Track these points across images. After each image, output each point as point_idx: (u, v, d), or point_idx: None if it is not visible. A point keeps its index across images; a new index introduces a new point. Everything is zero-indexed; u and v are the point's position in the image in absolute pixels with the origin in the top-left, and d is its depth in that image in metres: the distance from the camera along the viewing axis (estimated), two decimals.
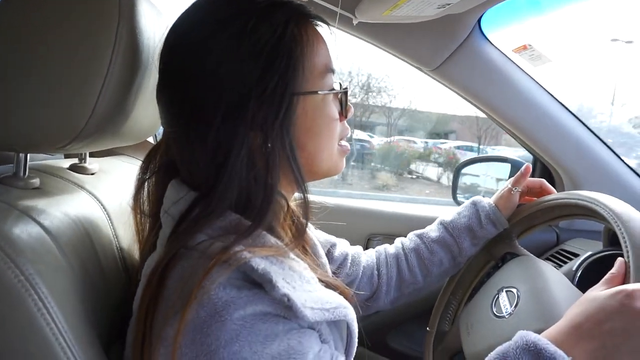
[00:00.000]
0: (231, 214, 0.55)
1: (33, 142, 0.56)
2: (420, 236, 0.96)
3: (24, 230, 0.47)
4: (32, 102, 0.53)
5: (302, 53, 0.56)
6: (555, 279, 0.83)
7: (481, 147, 7.86)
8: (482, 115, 1.26)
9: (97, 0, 0.54)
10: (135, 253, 0.72)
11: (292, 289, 0.49)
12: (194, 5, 0.58)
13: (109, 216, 0.70)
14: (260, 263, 0.49)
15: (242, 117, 0.53)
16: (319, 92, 0.59)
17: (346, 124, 0.67)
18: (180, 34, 0.57)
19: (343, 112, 0.65)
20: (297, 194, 0.78)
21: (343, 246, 0.93)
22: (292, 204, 0.75)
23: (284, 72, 0.54)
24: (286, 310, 0.49)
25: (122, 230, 0.72)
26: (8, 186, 0.57)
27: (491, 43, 1.10)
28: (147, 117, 0.74)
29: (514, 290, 0.85)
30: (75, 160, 0.78)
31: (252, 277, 0.49)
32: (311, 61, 0.58)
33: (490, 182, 1.78)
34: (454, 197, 1.69)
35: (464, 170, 1.74)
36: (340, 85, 0.64)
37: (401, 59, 1.09)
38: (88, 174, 0.77)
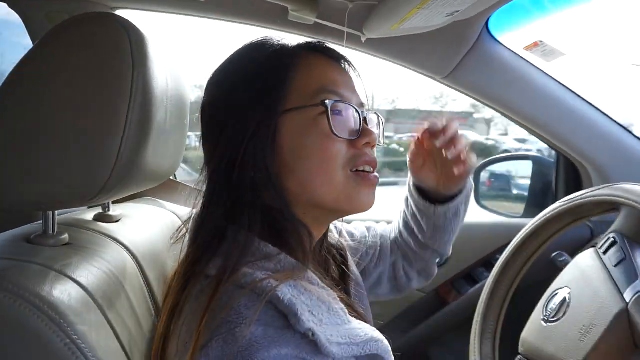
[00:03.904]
0: (233, 228, 0.54)
1: (60, 199, 0.55)
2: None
3: (64, 292, 0.46)
4: (55, 160, 0.52)
5: (286, 77, 0.57)
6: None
7: None
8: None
9: (111, 54, 0.54)
10: None
11: (319, 323, 0.47)
12: (223, 62, 0.64)
13: (138, 262, 0.70)
14: (287, 293, 0.48)
15: (229, 138, 0.56)
16: (295, 108, 0.56)
17: (366, 152, 0.59)
18: (211, 88, 0.64)
19: (356, 135, 0.58)
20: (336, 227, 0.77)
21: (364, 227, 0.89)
22: (333, 238, 0.74)
23: (265, 94, 0.56)
24: (312, 351, 0.46)
25: (151, 275, 0.71)
26: (39, 245, 0.57)
27: (501, 44, 1.09)
28: (166, 157, 0.74)
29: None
30: (99, 210, 0.78)
31: (278, 307, 0.47)
32: (298, 83, 0.57)
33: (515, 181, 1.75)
34: (477, 201, 1.66)
35: (484, 172, 1.71)
36: (355, 109, 0.59)
37: (412, 69, 1.08)
38: (113, 222, 0.76)
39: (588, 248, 1.26)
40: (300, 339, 0.46)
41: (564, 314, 0.83)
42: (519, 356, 0.94)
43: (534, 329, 0.90)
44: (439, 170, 0.77)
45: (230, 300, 0.47)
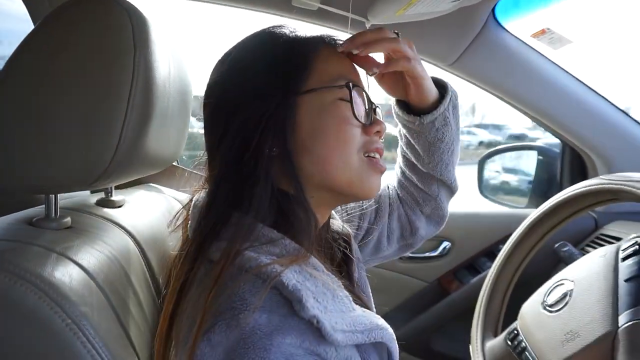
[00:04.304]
0: (238, 214, 0.54)
1: (61, 182, 0.55)
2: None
3: (66, 273, 0.47)
4: (57, 143, 0.52)
5: (307, 60, 0.58)
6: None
7: None
8: None
9: (112, 36, 0.54)
10: None
11: (324, 309, 0.47)
12: (235, 47, 0.63)
13: (140, 247, 0.70)
14: (291, 278, 0.47)
15: (244, 118, 0.56)
16: (318, 88, 0.57)
17: (377, 140, 0.62)
18: (222, 71, 0.62)
19: (368, 122, 0.61)
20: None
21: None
22: (338, 225, 0.74)
23: (285, 74, 0.57)
24: (316, 339, 0.46)
25: (153, 260, 0.71)
26: (41, 228, 0.57)
27: (508, 31, 1.07)
28: (169, 143, 0.73)
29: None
30: (102, 195, 0.79)
31: (282, 293, 0.47)
32: (319, 67, 0.59)
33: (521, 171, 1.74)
34: (481, 192, 1.66)
35: (489, 162, 1.70)
36: (368, 98, 0.62)
37: None
38: (116, 207, 0.77)
39: (592, 239, 1.27)
40: (304, 326, 0.46)
41: (561, 309, 0.82)
42: (515, 323, 0.94)
43: (531, 308, 0.90)
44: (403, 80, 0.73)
45: (234, 284, 0.47)
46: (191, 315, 0.49)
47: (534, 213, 1.03)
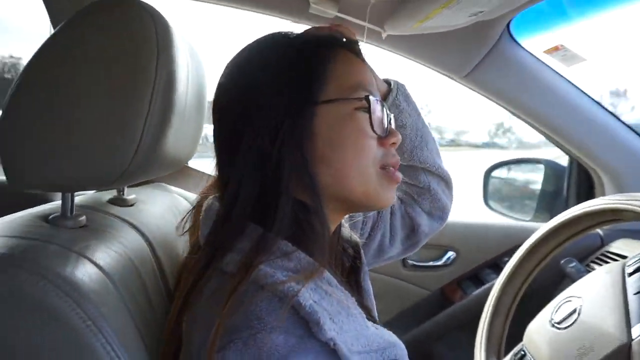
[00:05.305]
0: (253, 226, 0.53)
1: (81, 182, 0.56)
2: None
3: (85, 273, 0.47)
4: (79, 143, 0.53)
5: (325, 67, 0.57)
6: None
7: None
8: None
9: (136, 40, 0.54)
10: None
11: (339, 330, 0.47)
12: (246, 49, 0.62)
13: (152, 247, 0.70)
14: (308, 298, 0.47)
15: (259, 127, 0.55)
16: (336, 99, 0.56)
17: (392, 152, 0.61)
18: (232, 74, 0.61)
19: (384, 133, 0.60)
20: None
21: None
22: (347, 233, 0.73)
23: (302, 82, 0.56)
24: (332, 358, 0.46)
25: (164, 260, 0.72)
26: (58, 226, 0.57)
27: (521, 46, 1.08)
28: (185, 144, 0.74)
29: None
30: (114, 192, 0.79)
31: (299, 313, 0.46)
32: (337, 76, 0.58)
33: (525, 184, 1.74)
34: (486, 202, 1.66)
35: (494, 173, 1.70)
36: (385, 108, 0.61)
37: (431, 68, 1.07)
38: (128, 206, 0.77)
39: (597, 256, 1.27)
40: (320, 348, 0.45)
41: (570, 325, 0.82)
42: (521, 344, 0.94)
43: (539, 327, 0.90)
44: None
45: (250, 301, 0.46)
46: (203, 328, 0.48)
47: (537, 232, 1.03)
